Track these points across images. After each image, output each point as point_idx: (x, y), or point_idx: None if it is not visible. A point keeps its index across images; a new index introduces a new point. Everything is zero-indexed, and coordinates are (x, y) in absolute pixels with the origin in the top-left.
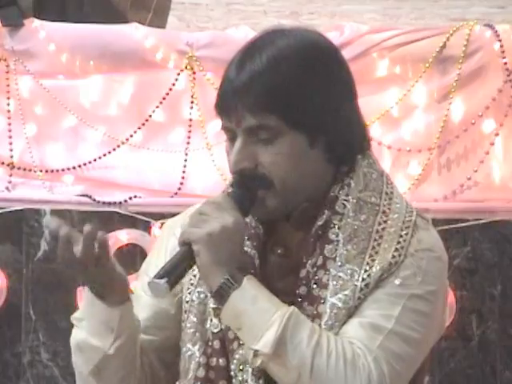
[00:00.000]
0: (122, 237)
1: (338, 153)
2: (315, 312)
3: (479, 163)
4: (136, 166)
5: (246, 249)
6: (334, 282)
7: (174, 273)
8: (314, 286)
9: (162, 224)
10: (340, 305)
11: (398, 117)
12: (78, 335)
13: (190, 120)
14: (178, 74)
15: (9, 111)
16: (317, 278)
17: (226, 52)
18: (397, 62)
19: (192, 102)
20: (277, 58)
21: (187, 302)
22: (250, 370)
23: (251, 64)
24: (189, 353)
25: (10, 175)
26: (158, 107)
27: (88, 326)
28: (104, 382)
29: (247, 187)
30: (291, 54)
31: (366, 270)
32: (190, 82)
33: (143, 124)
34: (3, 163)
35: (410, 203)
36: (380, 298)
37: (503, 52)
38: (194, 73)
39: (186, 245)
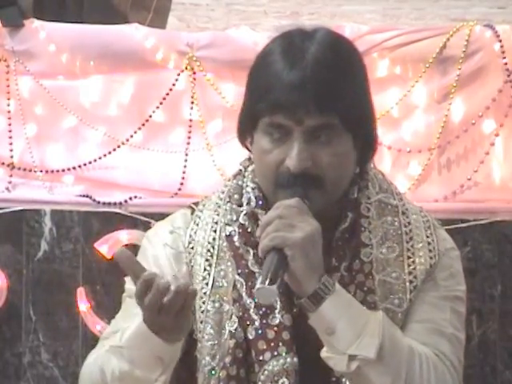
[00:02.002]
0: (122, 237)
1: (367, 154)
2: None
3: (479, 163)
4: (136, 167)
5: None
6: (381, 287)
7: (277, 279)
8: (358, 290)
9: None
10: (395, 308)
11: (398, 117)
12: (118, 365)
13: (190, 120)
14: (178, 75)
15: (9, 111)
16: (357, 282)
17: (226, 52)
18: (397, 63)
19: (192, 103)
20: (330, 54)
21: (202, 311)
22: (287, 382)
23: (311, 58)
24: (208, 367)
25: (10, 175)
26: (158, 107)
27: (133, 357)
28: None
29: (292, 186)
30: (339, 50)
31: (410, 273)
32: (190, 82)
33: (143, 124)
34: (3, 163)
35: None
36: (430, 302)
37: (503, 52)
38: (195, 73)
39: (277, 250)
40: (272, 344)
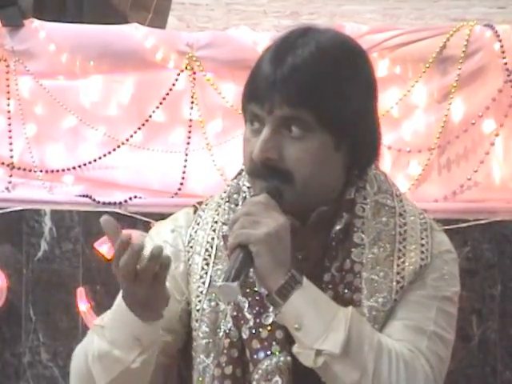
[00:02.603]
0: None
1: (358, 159)
2: None
3: (479, 163)
4: (136, 167)
5: None
6: (368, 285)
7: (240, 276)
8: (345, 290)
9: None
10: (379, 307)
11: (398, 117)
12: (99, 344)
13: (190, 120)
14: (178, 75)
15: (9, 111)
16: (346, 281)
17: (226, 52)
18: (397, 62)
19: (192, 103)
20: (320, 56)
21: (198, 310)
22: (280, 380)
23: (294, 57)
24: (203, 365)
25: (10, 175)
26: (158, 107)
27: (112, 337)
28: None
29: (263, 178)
30: (334, 53)
31: (398, 273)
32: (190, 82)
33: (143, 124)
34: (3, 163)
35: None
36: (416, 301)
37: (503, 52)
38: (194, 73)
39: (242, 247)
40: (265, 343)
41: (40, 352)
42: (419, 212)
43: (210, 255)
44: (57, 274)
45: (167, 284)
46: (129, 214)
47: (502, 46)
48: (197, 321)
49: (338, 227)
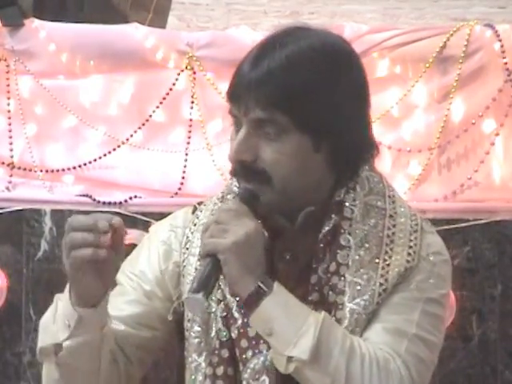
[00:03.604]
0: None
1: (342, 160)
2: (334, 318)
3: (479, 163)
4: (136, 166)
5: None
6: (351, 288)
7: (207, 286)
8: (330, 292)
9: None
10: (360, 310)
11: (398, 117)
12: (46, 313)
13: (191, 120)
14: (179, 74)
15: (9, 111)
16: (331, 284)
17: (226, 52)
18: (397, 62)
19: (192, 102)
20: (297, 59)
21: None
22: (268, 379)
23: (270, 60)
24: (195, 364)
25: (11, 175)
26: (158, 107)
27: (52, 310)
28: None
29: (244, 178)
30: (312, 56)
31: (382, 275)
32: (190, 82)
33: (143, 124)
34: (3, 163)
35: (409, 205)
36: (398, 303)
37: (503, 52)
38: (195, 73)
39: (211, 256)
40: (253, 342)
41: None
42: (412, 214)
43: None
44: (57, 273)
45: (151, 278)
46: (129, 214)
47: (502, 46)
48: (189, 321)
49: (326, 229)
